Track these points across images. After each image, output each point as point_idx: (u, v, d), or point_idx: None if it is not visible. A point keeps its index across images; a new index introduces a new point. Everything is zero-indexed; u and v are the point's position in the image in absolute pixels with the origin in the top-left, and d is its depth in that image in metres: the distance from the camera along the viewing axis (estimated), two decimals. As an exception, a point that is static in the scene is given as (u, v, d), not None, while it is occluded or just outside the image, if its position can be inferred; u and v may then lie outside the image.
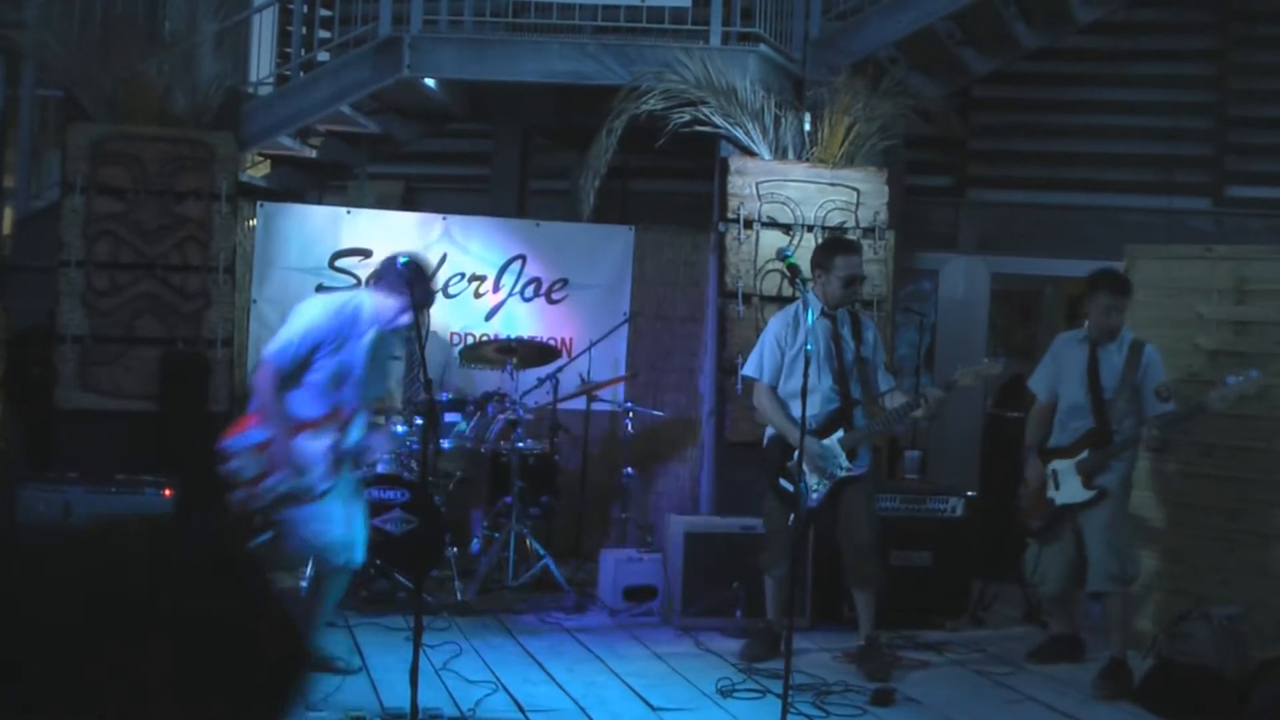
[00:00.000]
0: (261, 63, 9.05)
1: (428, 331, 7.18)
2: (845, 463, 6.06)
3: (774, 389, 6.15)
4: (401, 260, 5.24)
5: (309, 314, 5.23)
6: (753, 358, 6.27)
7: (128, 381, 7.41)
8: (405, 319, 5.24)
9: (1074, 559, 6.21)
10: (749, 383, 6.33)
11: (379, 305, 5.21)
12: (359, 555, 5.36)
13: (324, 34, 9.19)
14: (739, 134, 7.66)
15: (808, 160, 7.76)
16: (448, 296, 8.13)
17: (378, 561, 6.67)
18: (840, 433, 6.07)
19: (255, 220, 7.93)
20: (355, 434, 5.27)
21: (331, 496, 5.19)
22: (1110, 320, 6.13)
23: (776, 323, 6.26)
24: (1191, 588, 6.48)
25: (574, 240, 8.34)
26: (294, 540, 5.23)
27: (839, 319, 6.15)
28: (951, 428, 9.35)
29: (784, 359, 6.12)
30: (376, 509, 6.75)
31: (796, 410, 5.70)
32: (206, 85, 7.59)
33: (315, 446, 5.14)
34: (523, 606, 6.91)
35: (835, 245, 6.33)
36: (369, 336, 5.22)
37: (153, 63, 7.59)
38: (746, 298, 7.63)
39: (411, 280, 5.19)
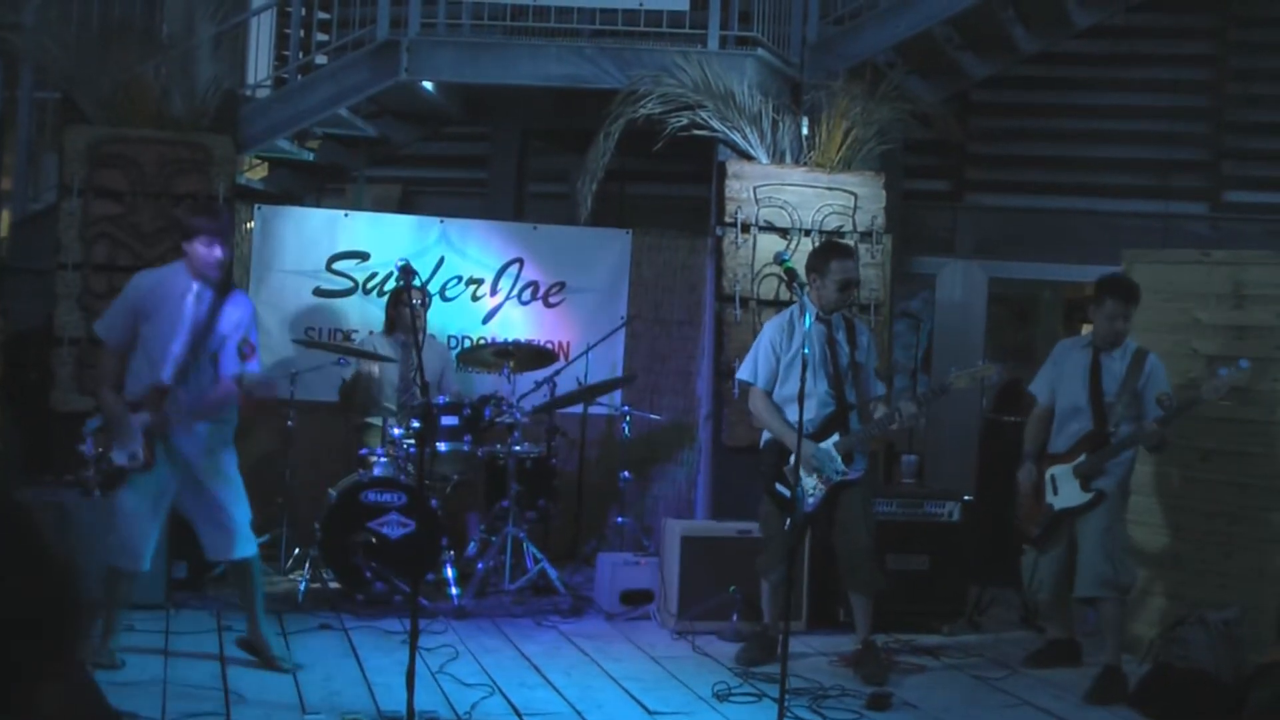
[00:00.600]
0: (259, 66, 9.05)
1: (424, 335, 7.16)
2: (842, 466, 6.05)
3: (769, 394, 6.15)
4: (184, 215, 5.72)
5: (129, 287, 5.56)
6: (747, 362, 6.27)
7: (124, 384, 7.41)
8: (218, 253, 5.43)
9: (1068, 564, 6.20)
10: (744, 387, 6.33)
11: (190, 260, 5.45)
12: (245, 548, 5.56)
13: (322, 37, 9.20)
14: (736, 138, 7.66)
15: (805, 164, 7.75)
16: (445, 299, 8.13)
17: (374, 564, 6.67)
18: (836, 436, 6.07)
19: (253, 223, 7.93)
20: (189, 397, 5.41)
21: (140, 492, 5.36)
22: (1115, 327, 6.13)
23: (771, 327, 6.26)
24: (1189, 592, 6.49)
25: (571, 244, 8.34)
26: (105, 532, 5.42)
27: (833, 323, 6.15)
28: (948, 432, 9.35)
29: (779, 364, 6.13)
30: (373, 512, 6.76)
31: (791, 414, 5.70)
32: (204, 88, 7.58)
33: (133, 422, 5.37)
34: (519, 610, 6.90)
35: (830, 249, 6.33)
36: (192, 294, 5.43)
37: (150, 65, 7.58)
38: (744, 301, 7.63)
39: (197, 216, 5.48)
